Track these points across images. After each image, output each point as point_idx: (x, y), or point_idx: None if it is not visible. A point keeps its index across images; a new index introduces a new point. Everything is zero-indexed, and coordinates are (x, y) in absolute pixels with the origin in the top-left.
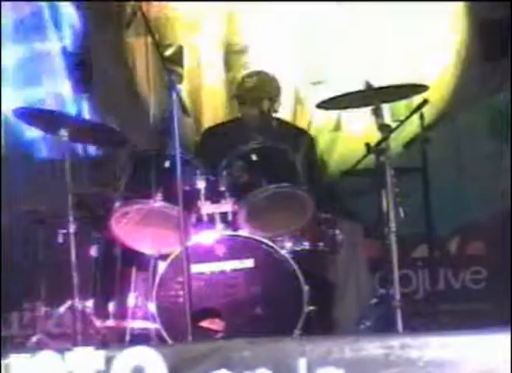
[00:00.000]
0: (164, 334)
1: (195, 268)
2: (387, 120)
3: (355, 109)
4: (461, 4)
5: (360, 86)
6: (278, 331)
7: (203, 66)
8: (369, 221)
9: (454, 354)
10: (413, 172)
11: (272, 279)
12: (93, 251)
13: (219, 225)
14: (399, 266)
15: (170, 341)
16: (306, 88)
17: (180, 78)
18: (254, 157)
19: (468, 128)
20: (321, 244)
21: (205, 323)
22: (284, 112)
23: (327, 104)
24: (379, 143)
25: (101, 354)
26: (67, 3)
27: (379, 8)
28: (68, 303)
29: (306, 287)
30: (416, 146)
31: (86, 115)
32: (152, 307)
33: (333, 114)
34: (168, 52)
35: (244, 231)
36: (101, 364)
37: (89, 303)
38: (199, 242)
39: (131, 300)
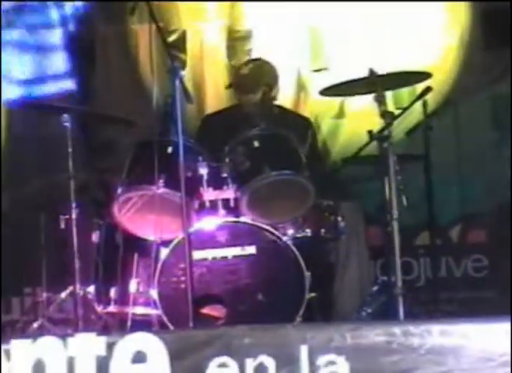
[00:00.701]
0: (166, 320)
1: (197, 254)
2: (390, 107)
3: (358, 97)
4: None
5: (363, 73)
6: (279, 318)
7: (206, 52)
8: (372, 208)
9: (455, 342)
10: (416, 160)
11: (274, 266)
12: (95, 237)
13: (221, 212)
14: (401, 254)
15: (171, 327)
16: (309, 75)
17: (183, 64)
18: (256, 143)
19: (471, 116)
20: (323, 231)
21: (206, 310)
22: (287, 99)
23: (330, 91)
24: (382, 130)
25: (102, 340)
26: None
27: None
28: (70, 289)
29: (307, 274)
30: (419, 133)
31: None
32: (153, 293)
33: (336, 101)
34: (171, 38)
35: (246, 218)
36: (102, 350)
37: (91, 289)
38: (201, 228)
39: (133, 286)
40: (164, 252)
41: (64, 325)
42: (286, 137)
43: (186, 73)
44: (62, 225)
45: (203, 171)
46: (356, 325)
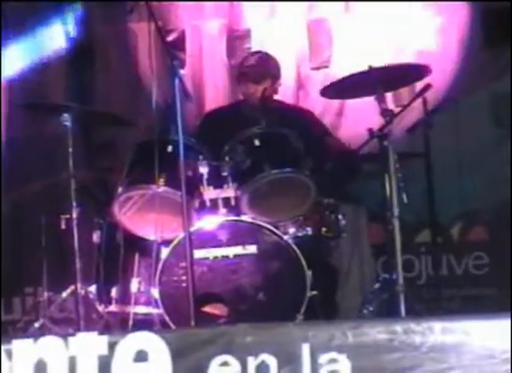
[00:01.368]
0: (167, 319)
1: (198, 253)
2: (390, 105)
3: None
4: None
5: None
6: (281, 316)
7: (205, 51)
8: (373, 206)
9: (456, 339)
10: (416, 158)
11: (275, 264)
12: (96, 236)
13: (222, 211)
14: (402, 252)
15: (173, 326)
16: (309, 73)
17: (183, 63)
18: (256, 142)
19: (471, 114)
20: (324, 229)
21: (207, 309)
22: (287, 97)
23: (330, 92)
24: (382, 128)
25: (104, 339)
26: None
27: None
28: (71, 288)
29: (309, 273)
30: (419, 131)
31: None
32: (155, 292)
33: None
34: (170, 37)
35: (247, 217)
36: (104, 349)
37: (92, 288)
38: (202, 227)
39: (134, 285)
40: (165, 252)
41: (66, 324)
42: (287, 136)
43: (185, 72)
44: (63, 225)
45: (203, 170)
46: (358, 323)
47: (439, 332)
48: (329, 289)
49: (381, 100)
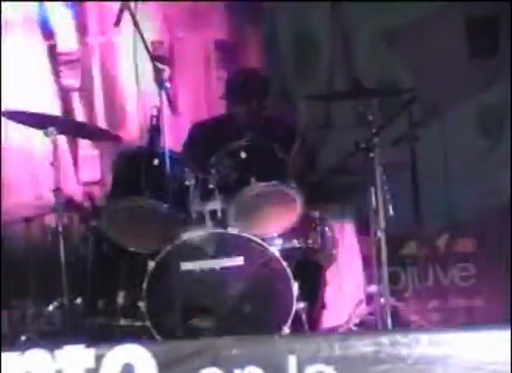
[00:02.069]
0: (154, 332)
1: (184, 266)
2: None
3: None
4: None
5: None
6: (267, 328)
7: (191, 63)
8: (359, 218)
9: (443, 351)
10: (402, 170)
11: (262, 277)
12: (83, 249)
13: (209, 223)
14: (388, 263)
15: (159, 339)
16: (295, 84)
17: (168, 75)
18: (242, 154)
19: (457, 125)
20: (311, 241)
21: (194, 321)
22: (272, 108)
23: (314, 99)
24: (368, 140)
25: (91, 352)
26: (59, 3)
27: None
28: (58, 301)
29: (295, 285)
30: (405, 143)
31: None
32: (141, 305)
33: (322, 111)
34: (157, 49)
35: (234, 229)
36: (91, 362)
37: (79, 301)
38: (188, 239)
39: (121, 298)
40: (151, 264)
41: (53, 337)
42: (273, 149)
43: (171, 85)
44: (49, 238)
45: (190, 182)
46: (345, 335)
47: (425, 344)
48: (316, 301)
49: (367, 112)
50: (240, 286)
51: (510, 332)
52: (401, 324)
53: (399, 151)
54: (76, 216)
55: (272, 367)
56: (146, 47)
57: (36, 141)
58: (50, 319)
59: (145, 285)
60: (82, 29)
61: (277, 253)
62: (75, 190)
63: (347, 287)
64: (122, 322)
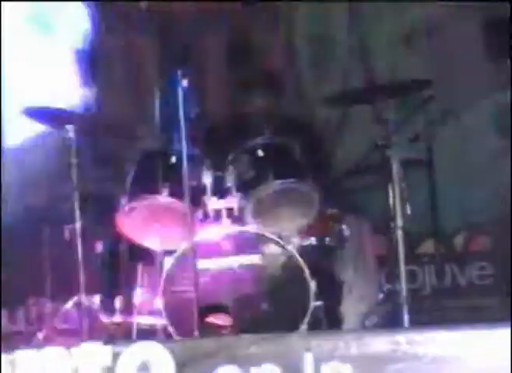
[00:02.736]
0: (171, 330)
1: (202, 264)
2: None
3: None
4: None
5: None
6: (284, 326)
7: (209, 63)
8: (376, 216)
9: (460, 350)
10: (419, 168)
11: (279, 274)
12: (100, 247)
13: (226, 221)
14: (405, 262)
15: (176, 337)
16: (310, 84)
17: (186, 73)
18: (260, 152)
19: (474, 124)
20: (328, 239)
21: (211, 319)
22: (289, 108)
23: (332, 101)
24: (385, 138)
25: (108, 350)
26: (76, 3)
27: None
28: (75, 299)
29: (312, 283)
30: (422, 142)
31: (93, 111)
32: (158, 302)
33: (338, 109)
34: (175, 49)
35: (251, 227)
36: (108, 360)
37: (96, 299)
38: (206, 237)
39: (138, 296)
40: (169, 262)
41: (70, 335)
42: (290, 146)
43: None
44: (67, 236)
45: (207, 180)
46: (361, 333)
47: (442, 343)
48: (333, 299)
49: (384, 110)
50: (257, 284)
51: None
52: None
53: (416, 149)
54: (93, 214)
55: (289, 365)
56: (164, 47)
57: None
58: (67, 317)
59: (162, 283)
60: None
61: (294, 251)
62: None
63: (364, 285)
64: (139, 319)
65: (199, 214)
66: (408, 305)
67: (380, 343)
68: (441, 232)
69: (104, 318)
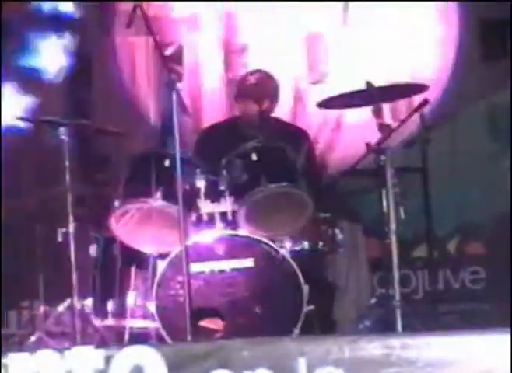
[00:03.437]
0: (163, 333)
1: (195, 267)
2: (388, 119)
3: (355, 109)
4: (462, 3)
5: (361, 85)
6: (277, 331)
7: (203, 65)
8: (370, 220)
9: (453, 354)
10: (413, 172)
11: (272, 278)
12: (93, 250)
13: (219, 224)
14: (399, 266)
15: (169, 340)
16: (306, 87)
17: (180, 77)
18: (253, 156)
19: (469, 128)
20: (321, 244)
21: (204, 323)
22: (284, 111)
23: (327, 103)
24: (379, 143)
25: (100, 353)
26: (69, 3)
27: (380, 6)
28: (67, 302)
29: (305, 287)
30: (417, 146)
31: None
32: (151, 306)
33: (333, 113)
34: (168, 51)
35: (244, 231)
36: (100, 363)
37: (88, 302)
38: (199, 241)
39: (131, 299)
40: (162, 265)
41: (62, 338)
42: (284, 150)
43: (182, 86)
44: (60, 238)
45: (200, 184)
46: (354, 337)
47: (436, 347)
48: (326, 304)
49: (378, 115)
50: (250, 288)
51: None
52: None
53: (410, 153)
54: (86, 216)
55: (282, 370)
56: (158, 48)
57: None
58: (59, 320)
59: (155, 286)
60: None
61: (287, 255)
62: (85, 191)
63: (357, 289)
64: (132, 323)
65: (192, 217)
66: (401, 309)
67: (373, 347)
68: (435, 237)
69: (97, 322)
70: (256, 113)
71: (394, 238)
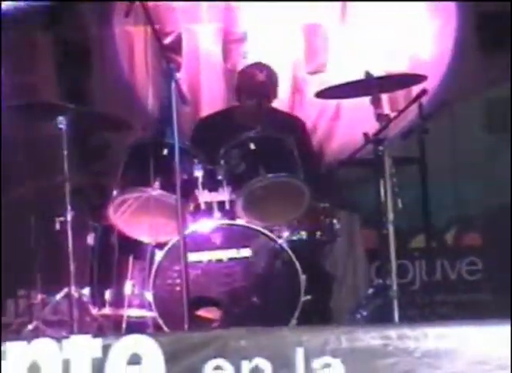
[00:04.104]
0: (161, 322)
1: (192, 257)
2: (386, 109)
3: (354, 99)
4: None
5: (359, 75)
6: (274, 320)
7: (201, 55)
8: (367, 211)
9: (450, 344)
10: (411, 163)
11: (269, 268)
12: (90, 239)
13: (217, 214)
14: (396, 257)
15: (166, 330)
16: (305, 77)
17: (179, 66)
18: (251, 146)
19: (466, 120)
20: (319, 233)
21: (201, 312)
22: (282, 100)
23: (325, 93)
24: (377, 133)
25: (98, 342)
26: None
27: None
28: (65, 291)
29: (303, 277)
30: (415, 136)
31: (84, 103)
32: (148, 295)
33: (331, 103)
34: (167, 40)
35: (242, 220)
36: (98, 352)
37: (86, 291)
38: (196, 230)
39: (128, 288)
40: (159, 255)
41: (59, 327)
42: (281, 140)
43: (181, 75)
44: (57, 227)
45: (198, 173)
46: (352, 328)
47: (433, 337)
48: (323, 293)
49: (377, 105)
50: (247, 277)
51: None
52: None
53: (408, 143)
54: (84, 206)
55: (280, 360)
56: (157, 37)
57: (45, 129)
58: (56, 309)
59: (152, 275)
60: None
61: (285, 245)
62: (83, 180)
63: (353, 279)
64: (129, 312)
65: (190, 207)
66: (398, 299)
67: (371, 337)
68: (432, 227)
69: (94, 311)
70: (255, 104)
71: (391, 229)
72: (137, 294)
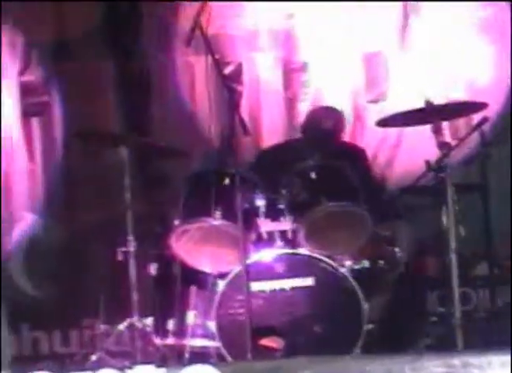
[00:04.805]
0: (224, 352)
1: (255, 286)
2: (447, 137)
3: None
4: None
5: (420, 103)
6: (337, 350)
7: (262, 83)
8: (429, 238)
9: None
10: (473, 190)
11: (332, 297)
12: (153, 269)
13: (279, 243)
14: (459, 284)
15: (229, 359)
16: (365, 105)
17: (240, 95)
18: (312, 175)
19: None
20: (381, 262)
21: (264, 341)
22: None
23: (386, 122)
24: (439, 160)
25: (161, 372)
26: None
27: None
28: (128, 321)
29: (365, 305)
30: (476, 164)
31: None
32: (211, 325)
33: (393, 130)
34: (227, 70)
35: (304, 249)
36: None
37: (149, 321)
38: (259, 259)
39: (191, 318)
40: (222, 284)
41: (123, 357)
42: (342, 168)
43: (242, 105)
44: (120, 257)
45: (260, 202)
46: (415, 357)
47: (497, 365)
48: (386, 322)
49: (438, 133)
50: (310, 306)
51: None
52: None
53: (469, 170)
54: (146, 235)
55: None
56: (218, 67)
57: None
58: (120, 339)
59: (215, 305)
60: None
61: (347, 274)
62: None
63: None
64: (192, 342)
65: (252, 236)
66: (462, 327)
67: (434, 365)
68: (495, 254)
69: (157, 341)
70: (320, 143)
71: (454, 257)
72: (199, 324)
